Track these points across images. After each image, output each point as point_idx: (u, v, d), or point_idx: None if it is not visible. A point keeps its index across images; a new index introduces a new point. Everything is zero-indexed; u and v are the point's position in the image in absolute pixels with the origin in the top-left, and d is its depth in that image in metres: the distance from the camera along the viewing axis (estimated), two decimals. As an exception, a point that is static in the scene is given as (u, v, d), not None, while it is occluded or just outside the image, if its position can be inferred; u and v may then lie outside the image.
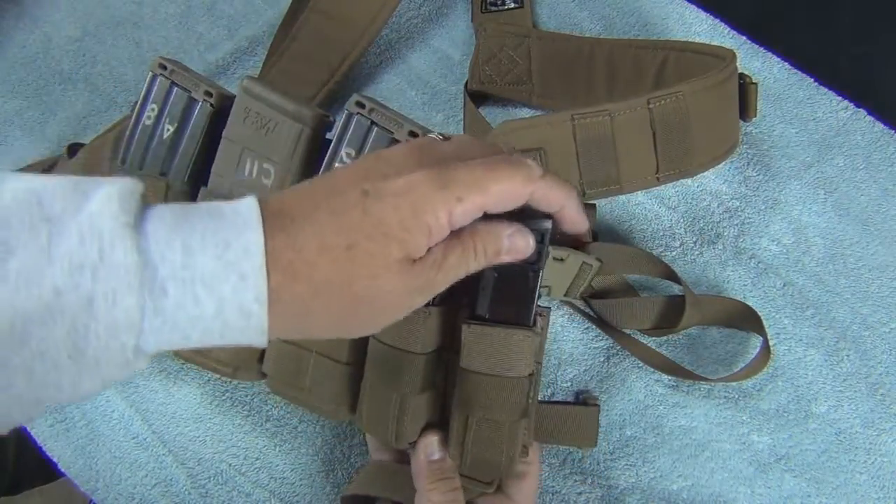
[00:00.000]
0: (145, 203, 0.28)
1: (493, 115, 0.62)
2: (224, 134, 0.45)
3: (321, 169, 0.43)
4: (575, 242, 0.49)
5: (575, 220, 0.37)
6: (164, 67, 0.47)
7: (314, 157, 0.45)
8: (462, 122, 0.61)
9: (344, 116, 0.43)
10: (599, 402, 0.47)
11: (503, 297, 0.39)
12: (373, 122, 0.42)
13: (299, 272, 0.29)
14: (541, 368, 0.42)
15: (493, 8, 0.63)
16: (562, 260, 0.47)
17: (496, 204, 0.32)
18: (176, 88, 0.46)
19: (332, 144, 0.43)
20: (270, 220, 0.29)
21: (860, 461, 0.49)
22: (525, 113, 0.62)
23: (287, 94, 0.44)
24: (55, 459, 0.52)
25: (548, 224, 0.37)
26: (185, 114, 0.47)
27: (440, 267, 0.31)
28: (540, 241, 0.36)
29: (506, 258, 0.34)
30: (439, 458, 0.42)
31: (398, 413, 0.41)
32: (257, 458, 0.51)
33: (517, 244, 0.34)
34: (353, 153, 0.43)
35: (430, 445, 0.42)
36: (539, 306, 0.42)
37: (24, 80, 0.65)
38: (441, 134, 0.36)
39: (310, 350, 0.45)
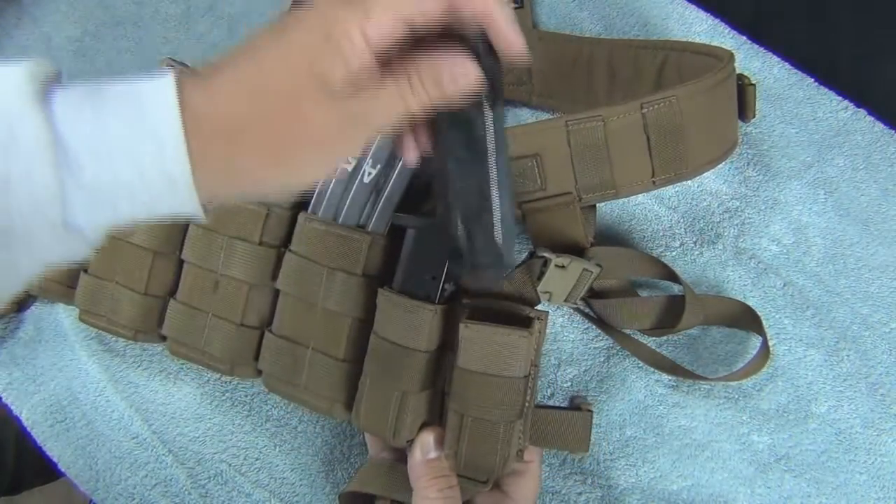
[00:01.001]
0: (57, 79, 0.28)
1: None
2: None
3: None
4: (577, 250, 0.49)
5: (506, 34, 0.30)
6: (171, 66, 0.47)
7: None
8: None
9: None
10: (592, 407, 0.47)
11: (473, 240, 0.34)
12: None
13: (219, 114, 0.28)
14: (538, 372, 0.42)
15: (493, 8, 0.63)
16: (563, 267, 0.47)
17: (411, 13, 0.28)
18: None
19: None
20: (187, 81, 0.28)
21: (860, 461, 0.49)
22: (525, 113, 0.62)
23: None
24: (55, 459, 0.52)
25: (479, 45, 0.30)
26: None
27: (372, 97, 0.29)
28: (477, 58, 0.30)
29: (450, 91, 0.30)
30: (436, 455, 0.42)
31: (398, 410, 0.41)
32: (257, 458, 0.51)
33: (458, 76, 0.29)
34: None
35: (427, 443, 0.42)
36: (537, 310, 0.42)
37: (24, 80, 0.65)
38: None
39: (306, 346, 0.45)
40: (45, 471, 0.67)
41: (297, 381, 0.45)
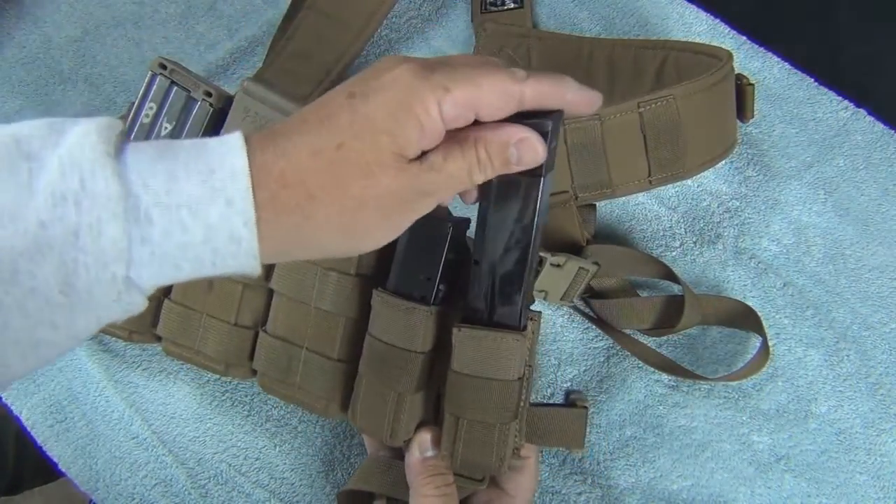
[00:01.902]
0: (124, 139, 0.28)
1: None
2: (222, 132, 0.45)
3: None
4: (575, 248, 0.49)
5: (581, 103, 0.32)
6: (164, 67, 0.47)
7: None
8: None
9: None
10: (588, 403, 0.47)
11: (499, 291, 0.38)
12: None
13: (291, 180, 0.28)
14: (532, 371, 0.42)
15: (493, 8, 0.63)
16: (559, 266, 0.47)
17: (487, 99, 0.30)
18: (175, 88, 0.47)
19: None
20: (258, 141, 0.29)
21: (860, 461, 0.49)
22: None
23: (286, 94, 0.45)
24: (55, 459, 0.52)
25: (548, 124, 0.32)
26: (184, 113, 0.47)
27: (440, 170, 0.30)
28: (545, 143, 0.33)
29: (515, 168, 0.31)
30: (434, 454, 0.42)
31: (394, 411, 0.41)
32: (257, 458, 0.51)
33: (526, 153, 0.31)
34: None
35: (425, 442, 0.42)
36: (531, 310, 0.42)
37: (24, 80, 0.65)
38: None
39: (300, 346, 0.45)
40: (45, 471, 0.67)
41: (291, 380, 0.45)
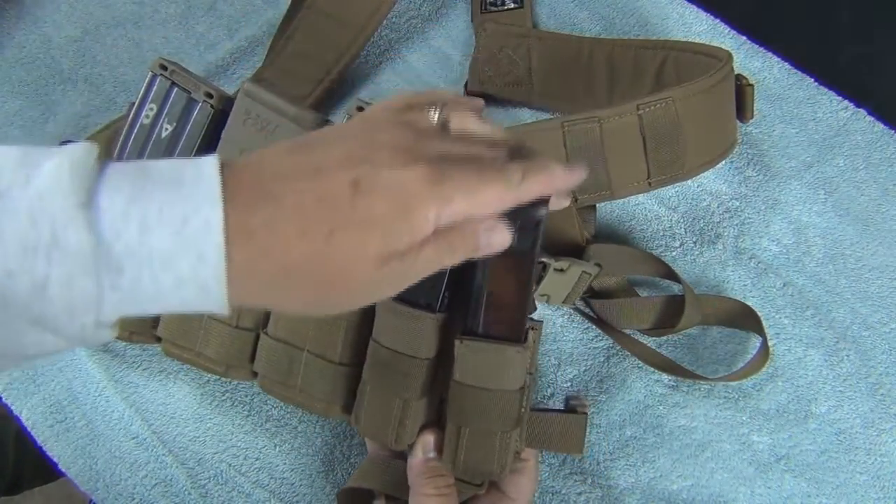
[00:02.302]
0: (101, 164, 0.27)
1: (493, 116, 0.62)
2: (223, 135, 0.45)
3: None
4: (575, 248, 0.49)
5: (569, 184, 0.34)
6: (165, 68, 0.46)
7: None
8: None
9: (345, 120, 0.43)
10: (588, 408, 0.47)
11: (497, 314, 0.38)
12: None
13: (272, 252, 0.28)
14: (532, 379, 0.43)
15: (493, 8, 0.63)
16: (562, 271, 0.47)
17: (481, 210, 0.31)
18: (176, 89, 0.46)
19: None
20: (244, 193, 0.28)
21: (860, 461, 0.49)
22: (525, 113, 0.62)
23: (287, 97, 0.44)
24: (55, 459, 0.52)
25: (542, 212, 0.35)
26: (185, 114, 0.46)
27: (415, 260, 0.30)
28: (535, 227, 0.35)
29: (483, 253, 0.33)
30: (436, 455, 0.42)
31: (400, 417, 0.41)
32: (257, 458, 0.51)
33: (494, 240, 0.32)
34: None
35: (429, 444, 0.42)
36: (531, 319, 0.42)
37: (24, 80, 0.65)
38: (436, 107, 0.34)
39: (301, 349, 0.45)
40: (45, 471, 0.67)
41: (292, 383, 0.45)
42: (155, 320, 0.49)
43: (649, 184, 0.47)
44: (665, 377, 0.52)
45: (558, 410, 0.46)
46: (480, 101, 0.36)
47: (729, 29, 0.62)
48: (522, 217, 0.34)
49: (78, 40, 0.66)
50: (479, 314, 0.39)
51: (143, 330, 0.49)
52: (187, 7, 0.67)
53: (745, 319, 0.51)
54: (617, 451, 0.50)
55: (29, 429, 0.52)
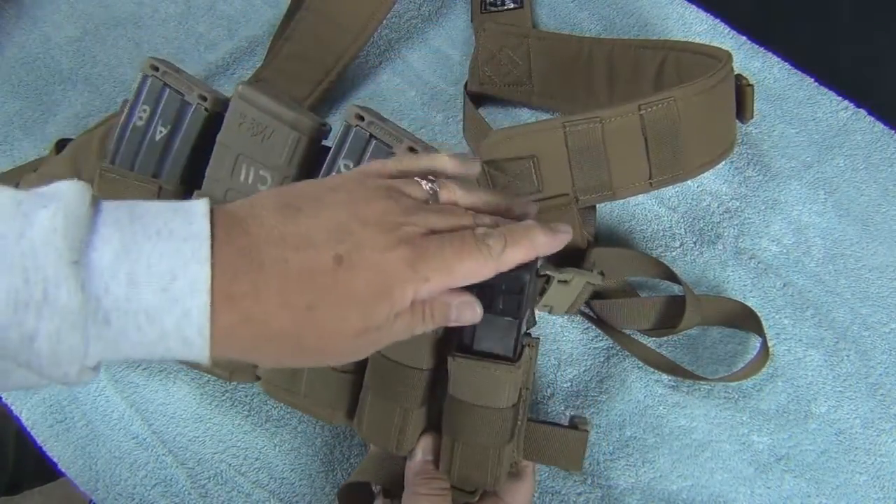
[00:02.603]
0: (94, 211, 0.28)
1: (493, 116, 0.62)
2: (219, 139, 0.45)
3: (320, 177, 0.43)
4: (576, 252, 0.49)
5: (552, 247, 0.36)
6: (156, 69, 0.46)
7: (311, 165, 0.45)
8: (462, 123, 0.61)
9: (342, 128, 0.43)
10: (591, 429, 0.47)
11: (488, 331, 0.39)
12: (371, 136, 0.42)
13: (255, 319, 0.29)
14: (529, 394, 0.43)
15: (493, 8, 0.63)
16: (566, 282, 0.47)
17: (460, 284, 0.33)
18: (168, 90, 0.46)
19: (331, 155, 0.43)
20: (231, 254, 0.28)
21: (860, 461, 0.49)
22: (525, 113, 0.62)
23: (284, 100, 0.44)
24: (55, 459, 0.52)
25: (526, 277, 0.37)
26: (179, 116, 0.46)
27: (389, 330, 0.32)
28: (519, 292, 0.37)
29: (455, 323, 0.35)
30: (434, 458, 0.42)
31: (401, 424, 0.42)
32: (257, 458, 0.51)
33: (464, 314, 0.34)
34: (350, 165, 0.43)
35: (428, 447, 0.43)
36: (528, 335, 0.42)
37: (24, 80, 0.65)
38: (428, 179, 0.35)
39: None
40: (45, 471, 0.67)
41: (296, 389, 0.45)
42: None
43: (650, 184, 0.47)
44: (665, 377, 0.52)
45: (559, 425, 0.46)
46: (477, 166, 0.38)
47: (729, 29, 0.62)
48: (507, 282, 0.36)
49: (78, 40, 0.66)
50: (474, 330, 0.39)
51: None
52: (187, 7, 0.67)
53: (744, 320, 0.51)
54: (617, 451, 0.50)
55: (29, 429, 0.52)
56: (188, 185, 0.47)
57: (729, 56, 0.49)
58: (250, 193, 0.44)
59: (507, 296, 0.37)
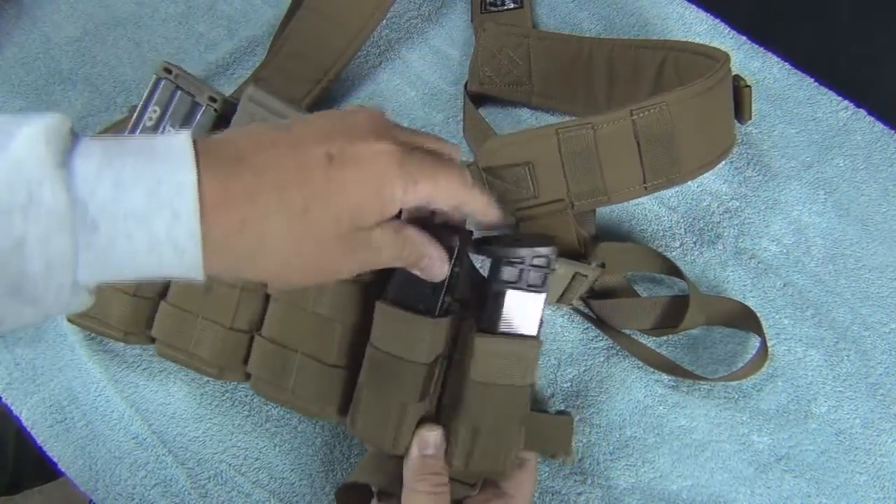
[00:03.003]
0: (74, 137, 0.28)
1: (493, 116, 0.62)
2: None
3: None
4: (573, 253, 0.49)
5: (486, 214, 0.38)
6: (169, 71, 0.47)
7: None
8: (462, 123, 0.61)
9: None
10: (573, 414, 0.48)
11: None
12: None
13: (250, 224, 0.29)
14: (533, 390, 0.45)
15: (493, 8, 0.63)
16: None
17: (439, 197, 0.34)
18: (179, 92, 0.47)
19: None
20: (223, 160, 0.29)
21: (860, 461, 0.49)
22: (525, 113, 0.62)
23: (292, 101, 0.45)
24: (55, 459, 0.52)
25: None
26: (188, 117, 0.47)
27: (378, 251, 0.33)
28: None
29: (415, 272, 0.36)
30: (433, 453, 0.42)
31: (398, 420, 0.41)
32: (257, 459, 0.51)
33: (433, 267, 0.36)
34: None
35: (425, 441, 0.42)
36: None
37: (24, 80, 0.65)
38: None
39: (296, 351, 0.45)
40: (44, 471, 0.67)
41: (284, 384, 0.45)
42: (150, 319, 0.49)
43: (645, 188, 0.47)
44: (665, 377, 0.52)
45: (546, 412, 0.47)
46: (457, 148, 0.39)
47: (729, 29, 0.62)
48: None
49: (78, 40, 0.66)
50: (497, 313, 0.40)
51: (137, 330, 0.49)
52: (187, 7, 0.67)
53: (743, 320, 0.51)
54: (617, 451, 0.50)
55: (29, 429, 0.52)
56: None
57: (726, 57, 0.49)
58: None
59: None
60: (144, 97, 0.47)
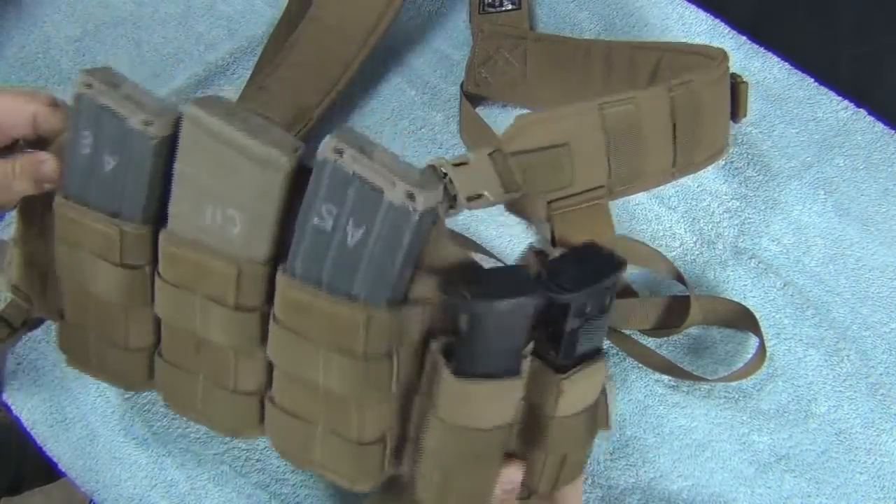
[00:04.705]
0: None
1: (492, 115, 0.62)
2: (177, 167, 0.35)
3: (300, 219, 0.34)
4: None
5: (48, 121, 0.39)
6: (89, 85, 0.35)
7: (292, 199, 0.35)
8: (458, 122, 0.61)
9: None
10: (611, 383, 0.45)
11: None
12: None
13: None
14: None
15: (491, 9, 0.63)
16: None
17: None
18: (104, 113, 0.35)
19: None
20: None
21: (860, 461, 0.49)
22: (524, 113, 0.62)
23: (248, 120, 0.34)
24: (55, 460, 0.52)
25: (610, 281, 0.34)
26: (124, 144, 0.35)
27: None
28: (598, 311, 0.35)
29: (47, 186, 0.38)
30: (511, 489, 0.40)
31: (491, 484, 0.39)
32: (258, 460, 0.51)
33: (46, 170, 0.37)
34: (334, 210, 0.33)
35: (508, 478, 0.40)
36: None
37: (24, 80, 0.65)
38: None
39: (315, 424, 0.39)
40: (45, 471, 0.67)
41: (311, 458, 0.40)
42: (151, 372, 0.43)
43: (673, 173, 0.44)
44: (665, 377, 0.52)
45: None
46: None
47: (729, 29, 0.62)
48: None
49: (78, 40, 0.66)
50: (572, 347, 0.36)
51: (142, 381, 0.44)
52: (187, 7, 0.67)
53: (742, 320, 0.51)
54: (617, 451, 0.50)
55: (29, 429, 0.52)
56: (154, 223, 0.38)
57: (725, 53, 0.48)
58: (220, 237, 0.35)
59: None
60: (71, 118, 0.36)
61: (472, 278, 0.35)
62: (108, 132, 0.36)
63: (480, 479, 0.38)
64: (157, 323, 0.41)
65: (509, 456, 0.39)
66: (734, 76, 0.50)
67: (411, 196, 0.31)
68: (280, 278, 0.35)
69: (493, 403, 0.35)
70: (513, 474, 0.39)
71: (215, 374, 0.40)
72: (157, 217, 0.38)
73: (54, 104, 0.39)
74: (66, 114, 0.39)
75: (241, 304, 0.37)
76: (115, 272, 0.39)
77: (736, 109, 0.51)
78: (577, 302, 0.34)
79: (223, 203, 0.35)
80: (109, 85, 0.36)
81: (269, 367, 0.39)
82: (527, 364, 0.36)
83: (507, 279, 0.34)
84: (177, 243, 0.37)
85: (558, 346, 0.36)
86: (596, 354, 0.37)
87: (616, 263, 0.35)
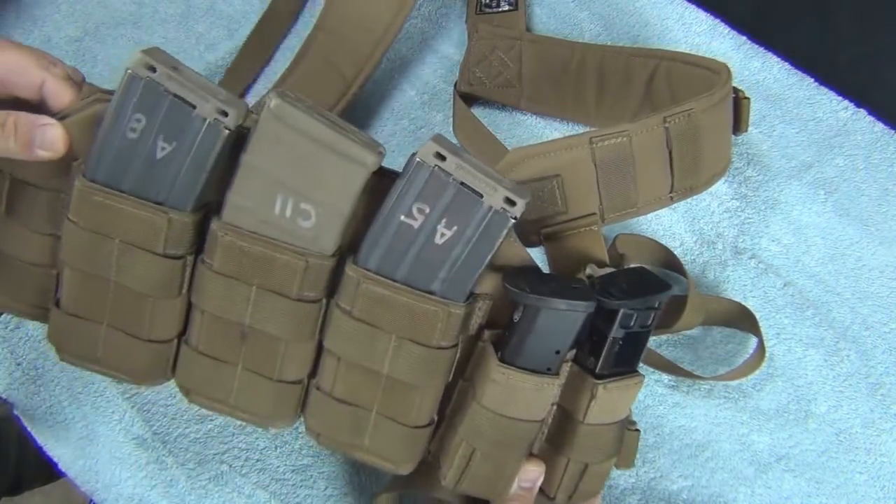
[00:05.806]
0: None
1: (489, 115, 0.62)
2: (244, 159, 0.35)
3: (384, 216, 0.35)
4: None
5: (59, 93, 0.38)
6: (153, 69, 0.34)
7: (375, 198, 0.36)
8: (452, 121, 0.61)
9: (412, 165, 0.34)
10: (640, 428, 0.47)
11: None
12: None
13: None
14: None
15: (488, 10, 0.63)
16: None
17: (7, 67, 0.35)
18: (171, 99, 0.35)
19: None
20: None
21: (860, 461, 0.49)
22: (517, 115, 0.62)
23: (332, 119, 0.35)
24: (55, 460, 0.52)
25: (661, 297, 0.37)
26: (188, 133, 0.35)
27: None
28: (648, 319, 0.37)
29: (41, 153, 0.36)
30: (529, 487, 0.41)
31: (512, 473, 0.40)
32: (258, 460, 0.51)
33: (48, 135, 0.35)
34: (426, 209, 0.34)
35: (528, 475, 0.41)
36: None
37: (24, 80, 0.64)
38: None
39: (369, 409, 0.40)
40: (45, 471, 0.67)
41: (359, 443, 0.40)
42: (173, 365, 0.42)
43: (671, 198, 0.45)
44: (665, 377, 0.52)
45: None
46: None
47: (729, 29, 0.62)
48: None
49: (78, 40, 0.66)
50: (612, 357, 0.38)
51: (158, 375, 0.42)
52: (187, 7, 0.67)
53: (741, 320, 0.51)
54: (617, 451, 0.50)
55: (29, 429, 0.52)
56: (204, 212, 0.38)
57: (728, 70, 0.48)
58: (288, 230, 0.36)
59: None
60: (118, 97, 0.35)
61: (533, 277, 0.37)
62: (170, 118, 0.35)
63: (501, 467, 0.39)
64: (185, 314, 0.41)
65: (533, 457, 0.41)
66: (736, 91, 0.50)
67: (510, 201, 0.34)
68: (355, 271, 0.36)
69: (530, 397, 0.37)
70: (532, 472, 0.40)
71: (259, 364, 0.40)
72: (208, 208, 0.38)
73: (67, 78, 0.38)
74: (78, 92, 0.38)
75: (303, 296, 0.38)
76: (156, 262, 0.38)
77: (738, 124, 0.50)
78: (624, 311, 0.36)
79: (298, 196, 0.35)
80: (172, 69, 0.36)
81: (316, 356, 0.40)
82: (566, 368, 0.39)
83: (565, 284, 0.37)
84: (236, 234, 0.36)
85: (599, 354, 0.38)
86: (632, 372, 0.39)
87: (664, 285, 0.38)
